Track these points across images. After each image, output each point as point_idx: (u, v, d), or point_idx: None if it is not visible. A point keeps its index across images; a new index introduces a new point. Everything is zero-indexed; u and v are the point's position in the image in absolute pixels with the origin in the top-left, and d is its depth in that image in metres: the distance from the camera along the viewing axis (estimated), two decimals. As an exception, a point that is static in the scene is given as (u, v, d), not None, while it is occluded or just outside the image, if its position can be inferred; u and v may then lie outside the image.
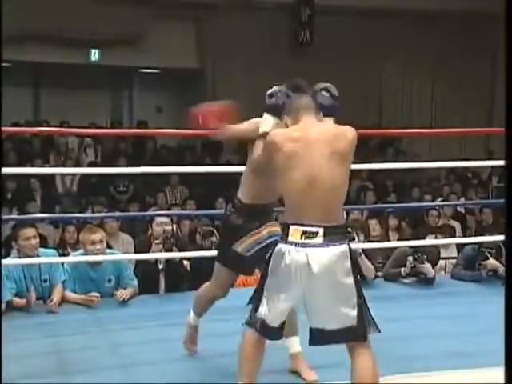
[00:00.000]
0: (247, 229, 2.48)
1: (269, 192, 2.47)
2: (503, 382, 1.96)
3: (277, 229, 2.39)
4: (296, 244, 2.05)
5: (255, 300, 2.18)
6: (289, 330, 2.36)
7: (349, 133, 2.16)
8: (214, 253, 4.38)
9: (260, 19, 9.20)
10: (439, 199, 7.02)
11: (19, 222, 4.19)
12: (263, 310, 2.14)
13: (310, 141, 2.12)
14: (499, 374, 2.59)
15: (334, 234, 2.06)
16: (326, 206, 2.07)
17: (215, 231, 4.98)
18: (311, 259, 2.02)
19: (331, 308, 2.07)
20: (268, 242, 2.44)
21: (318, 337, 2.12)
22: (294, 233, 2.05)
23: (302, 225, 2.05)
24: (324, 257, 2.03)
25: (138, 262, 4.22)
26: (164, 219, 4.10)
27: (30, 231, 3.59)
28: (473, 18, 9.60)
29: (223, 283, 2.63)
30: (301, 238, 2.04)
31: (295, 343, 2.54)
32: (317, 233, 2.04)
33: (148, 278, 3.90)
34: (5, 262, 3.90)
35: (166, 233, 3.91)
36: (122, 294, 3.65)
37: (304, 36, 9.67)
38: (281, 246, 2.09)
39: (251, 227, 2.48)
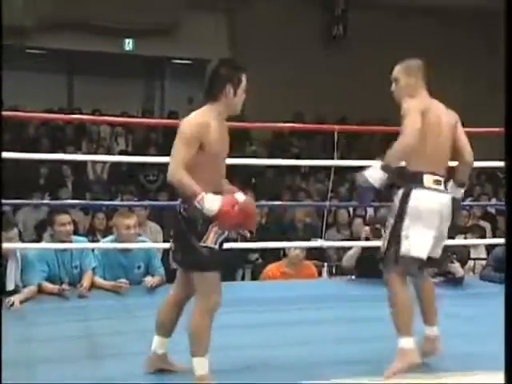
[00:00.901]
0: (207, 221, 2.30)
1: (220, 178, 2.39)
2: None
3: None
4: (430, 188, 2.56)
5: (393, 244, 2.54)
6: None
7: None
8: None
9: (293, 12, 9.18)
10: (469, 199, 6.93)
11: (53, 207, 4.27)
12: (406, 247, 2.53)
13: None
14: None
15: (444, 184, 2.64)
16: (445, 163, 2.65)
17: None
18: (444, 201, 2.58)
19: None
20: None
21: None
22: (428, 180, 2.56)
23: (433, 174, 2.58)
24: (448, 199, 2.62)
25: (165, 252, 4.28)
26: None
27: (65, 217, 3.66)
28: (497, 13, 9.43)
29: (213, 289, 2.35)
30: (433, 184, 2.57)
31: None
32: (441, 181, 2.60)
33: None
34: (37, 245, 4.01)
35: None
36: (150, 281, 3.70)
37: (337, 30, 9.62)
38: (421, 192, 2.54)
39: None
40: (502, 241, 4.68)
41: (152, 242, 4.61)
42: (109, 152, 8.03)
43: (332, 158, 4.05)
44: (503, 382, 1.89)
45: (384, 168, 2.48)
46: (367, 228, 4.21)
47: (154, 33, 8.82)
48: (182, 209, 2.35)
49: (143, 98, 10.28)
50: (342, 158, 7.52)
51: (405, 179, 2.58)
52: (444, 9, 9.28)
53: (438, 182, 2.58)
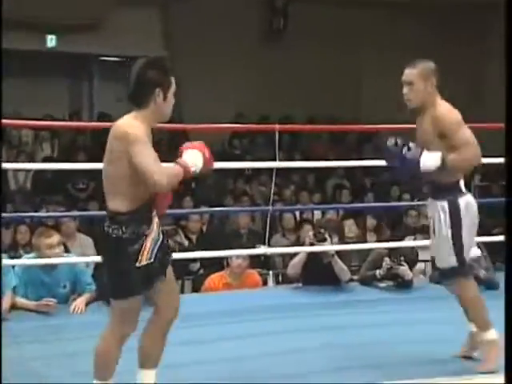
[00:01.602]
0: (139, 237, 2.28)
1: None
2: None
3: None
4: (466, 194, 2.82)
5: (459, 254, 2.75)
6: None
7: None
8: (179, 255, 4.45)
9: (232, 5, 9.20)
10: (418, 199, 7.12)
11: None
12: (469, 255, 2.78)
13: None
14: (483, 380, 2.66)
15: None
16: None
17: (180, 230, 4.97)
18: (474, 203, 2.84)
19: None
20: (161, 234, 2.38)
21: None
22: (463, 186, 2.81)
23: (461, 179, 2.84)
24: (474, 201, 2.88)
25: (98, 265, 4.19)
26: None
27: None
28: (449, 6, 9.74)
29: (133, 316, 2.35)
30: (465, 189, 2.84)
31: None
32: None
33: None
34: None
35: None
36: (76, 305, 3.63)
37: (278, 24, 9.71)
38: (463, 199, 2.78)
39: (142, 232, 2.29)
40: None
41: (81, 256, 4.54)
42: (32, 159, 7.82)
43: (273, 160, 4.08)
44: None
45: (443, 165, 2.69)
46: (310, 233, 4.26)
47: (78, 28, 8.65)
48: (109, 228, 2.25)
49: (69, 99, 10.06)
50: (288, 158, 7.68)
51: (447, 189, 2.77)
52: (386, 0, 9.52)
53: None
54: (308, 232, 4.46)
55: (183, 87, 2.34)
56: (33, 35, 8.64)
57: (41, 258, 3.68)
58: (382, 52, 9.82)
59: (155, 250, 2.31)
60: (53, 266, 3.69)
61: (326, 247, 4.15)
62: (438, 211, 2.78)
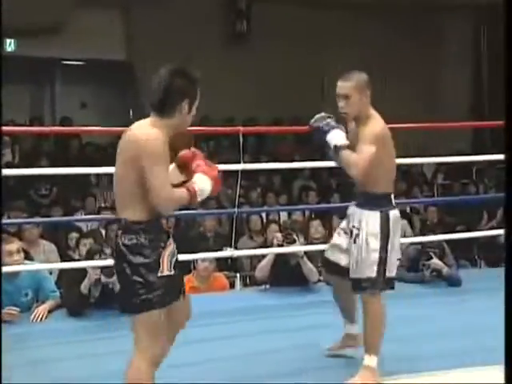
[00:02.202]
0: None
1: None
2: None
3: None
4: (395, 208, 2.82)
5: (381, 265, 2.71)
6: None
7: None
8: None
9: (194, 8, 9.18)
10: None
11: None
12: (389, 268, 2.73)
13: None
14: (445, 377, 2.70)
15: None
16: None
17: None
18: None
19: None
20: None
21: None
22: (393, 200, 2.81)
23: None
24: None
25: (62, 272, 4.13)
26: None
27: None
28: (419, 8, 9.90)
29: (162, 332, 2.23)
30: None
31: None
32: None
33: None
34: None
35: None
36: (38, 312, 3.58)
37: (241, 26, 9.72)
38: (392, 212, 2.77)
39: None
40: (415, 239, 4.90)
41: (44, 263, 4.47)
42: (-7, 165, 7.66)
43: (239, 162, 4.08)
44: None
45: (338, 149, 2.71)
46: (279, 234, 4.27)
47: (38, 31, 8.51)
48: (125, 240, 2.17)
49: (30, 104, 9.89)
50: (254, 161, 7.66)
51: (379, 200, 2.75)
52: (352, 1, 9.61)
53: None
54: (275, 233, 4.47)
55: (146, 91, 2.31)
56: (-10, 39, 8.47)
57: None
58: (345, 52, 9.91)
59: (173, 263, 2.23)
60: (14, 274, 3.63)
61: (294, 248, 4.17)
62: (366, 221, 2.75)
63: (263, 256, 4.42)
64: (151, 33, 9.08)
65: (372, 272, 2.72)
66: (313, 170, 8.09)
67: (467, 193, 7.94)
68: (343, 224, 2.95)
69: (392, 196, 2.83)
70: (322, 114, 2.83)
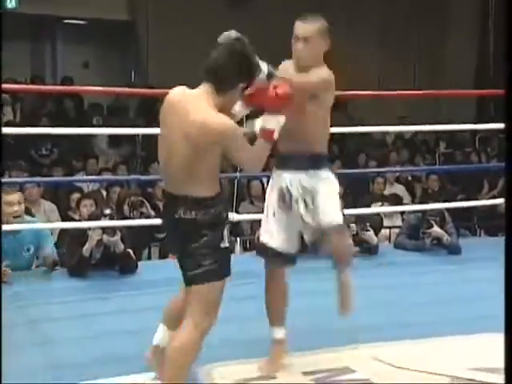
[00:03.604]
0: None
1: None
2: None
3: None
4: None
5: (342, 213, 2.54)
6: None
7: None
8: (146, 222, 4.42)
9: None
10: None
11: None
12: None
13: None
14: (443, 343, 2.72)
15: None
16: None
17: (145, 201, 4.91)
18: None
19: None
20: None
21: None
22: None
23: None
24: None
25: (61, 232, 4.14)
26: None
27: None
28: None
29: (219, 304, 2.23)
30: None
31: None
32: None
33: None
34: None
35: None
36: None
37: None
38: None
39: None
40: (415, 207, 4.90)
41: (45, 223, 4.48)
42: (-6, 124, 7.62)
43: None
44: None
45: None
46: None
47: (40, -12, 8.40)
48: (193, 215, 2.14)
49: (32, 63, 9.80)
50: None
51: (323, 161, 2.55)
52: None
53: None
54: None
55: (149, 52, 2.25)
56: (-9, -5, 8.33)
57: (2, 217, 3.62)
58: (350, 17, 9.78)
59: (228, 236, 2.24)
60: (17, 230, 3.65)
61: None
62: (323, 179, 2.53)
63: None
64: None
65: (340, 219, 2.54)
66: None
67: (469, 161, 7.91)
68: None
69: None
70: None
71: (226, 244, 2.20)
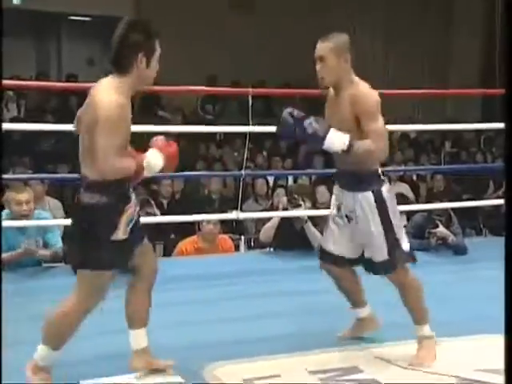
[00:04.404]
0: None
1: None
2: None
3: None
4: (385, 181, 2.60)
5: (391, 246, 2.55)
6: None
7: None
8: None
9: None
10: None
11: None
12: (405, 241, 2.62)
13: None
14: (451, 344, 2.72)
15: None
16: None
17: (151, 200, 4.92)
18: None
19: None
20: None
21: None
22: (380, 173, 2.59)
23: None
24: None
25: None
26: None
27: None
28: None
29: (102, 292, 2.29)
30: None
31: None
32: None
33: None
34: None
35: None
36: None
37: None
38: (384, 187, 2.55)
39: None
40: (421, 207, 4.89)
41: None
42: (-2, 120, 7.63)
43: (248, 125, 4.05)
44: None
45: (348, 150, 2.40)
46: (284, 198, 4.28)
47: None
48: (86, 198, 2.18)
49: (36, 60, 9.81)
50: (260, 124, 7.60)
51: (369, 180, 2.53)
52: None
53: None
54: (282, 197, 4.48)
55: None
56: (-3, -8, 8.35)
57: (11, 214, 3.70)
58: (356, 16, 9.75)
59: (129, 227, 2.22)
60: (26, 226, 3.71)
61: (298, 212, 4.17)
62: (360, 203, 2.53)
63: (268, 219, 4.43)
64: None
65: (384, 255, 2.55)
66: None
67: (474, 161, 7.90)
68: (333, 209, 2.70)
69: (380, 171, 2.57)
70: (285, 113, 2.45)
71: (119, 237, 2.19)
